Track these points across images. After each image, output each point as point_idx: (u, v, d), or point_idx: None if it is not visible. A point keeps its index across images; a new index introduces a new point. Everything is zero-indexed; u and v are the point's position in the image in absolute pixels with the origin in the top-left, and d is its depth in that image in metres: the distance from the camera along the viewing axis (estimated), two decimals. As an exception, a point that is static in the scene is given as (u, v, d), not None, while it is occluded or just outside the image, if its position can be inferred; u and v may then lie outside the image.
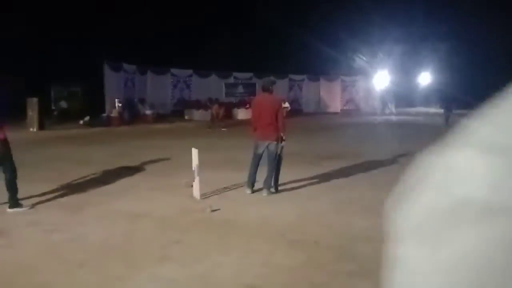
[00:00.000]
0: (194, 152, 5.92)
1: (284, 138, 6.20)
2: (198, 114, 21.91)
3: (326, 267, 3.67)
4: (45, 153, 10.20)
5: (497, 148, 0.61)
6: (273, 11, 29.01)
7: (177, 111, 23.23)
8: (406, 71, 31.01)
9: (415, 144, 11.95)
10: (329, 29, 28.49)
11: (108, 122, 17.16)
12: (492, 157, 0.61)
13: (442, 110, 19.42)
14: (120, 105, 18.35)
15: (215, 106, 20.05)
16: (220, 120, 18.58)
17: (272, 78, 7.97)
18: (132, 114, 19.01)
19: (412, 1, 28.34)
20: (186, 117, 22.30)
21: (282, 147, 6.23)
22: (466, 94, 23.81)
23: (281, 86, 24.31)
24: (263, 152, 6.24)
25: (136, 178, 7.31)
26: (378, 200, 5.80)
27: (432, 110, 30.52)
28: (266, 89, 6.34)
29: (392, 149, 10.98)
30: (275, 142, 6.12)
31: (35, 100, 15.60)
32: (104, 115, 17.66)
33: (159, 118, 20.54)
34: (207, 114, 21.88)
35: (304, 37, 26.45)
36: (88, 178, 7.31)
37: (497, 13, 27.38)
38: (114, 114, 17.61)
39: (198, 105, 22.82)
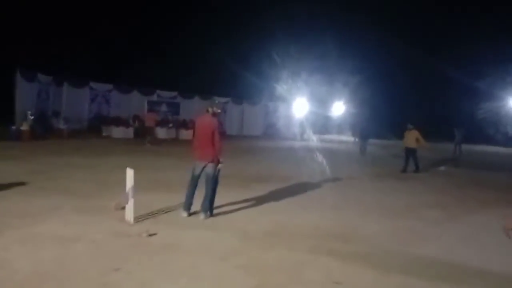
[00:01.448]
0: (129, 172, 5.67)
1: (220, 160, 6.22)
2: (117, 131, 20.98)
3: (275, 291, 3.72)
4: None
5: None
6: (200, 34, 29.29)
7: (94, 127, 22.02)
8: (322, 100, 32.93)
9: (335, 168, 12.73)
10: (253, 56, 29.42)
11: (18, 135, 15.66)
12: None
13: (356, 139, 20.81)
14: (32, 117, 16.88)
15: (151, 115, 19.62)
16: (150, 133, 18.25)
17: (217, 99, 7.95)
18: (45, 128, 17.58)
19: (326, 37, 30.36)
20: (104, 134, 21.21)
21: (219, 170, 6.23)
22: (375, 124, 26.06)
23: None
24: (200, 173, 6.18)
25: (58, 198, 6.75)
26: (310, 223, 6.09)
27: (344, 138, 32.71)
28: (206, 110, 6.34)
29: (316, 172, 11.56)
30: (212, 164, 6.11)
31: None
32: (14, 127, 16.09)
33: (75, 133, 19.29)
34: (128, 132, 21.09)
35: (229, 61, 27.01)
36: (2, 196, 6.60)
37: (404, 50, 30.56)
38: (25, 127, 16.12)
39: (118, 121, 21.88)
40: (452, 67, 29.55)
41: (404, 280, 4.13)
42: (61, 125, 18.77)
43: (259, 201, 7.43)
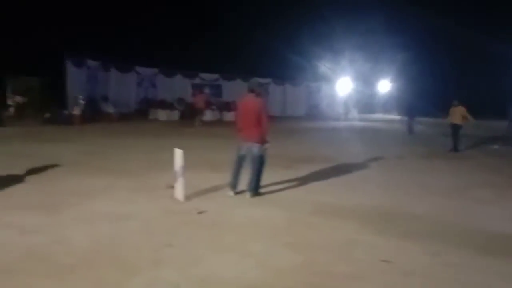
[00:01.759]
0: (178, 152, 5.80)
1: (267, 139, 6.21)
2: (163, 114, 21.51)
3: (324, 269, 3.71)
4: (7, 150, 9.62)
5: None
6: (241, 16, 29.13)
7: (141, 111, 22.68)
8: (367, 78, 32.05)
9: (381, 148, 12.42)
10: (294, 36, 28.99)
11: (70, 119, 16.44)
12: None
13: (404, 118, 20.11)
14: (83, 102, 17.63)
15: (200, 96, 19.89)
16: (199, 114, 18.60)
17: (258, 80, 7.91)
18: (94, 112, 18.33)
19: (372, 13, 29.30)
20: (150, 117, 21.81)
21: (265, 149, 6.24)
22: (423, 102, 25.05)
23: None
24: (246, 153, 6.21)
25: (111, 177, 7.04)
26: (356, 203, 5.99)
27: (391, 116, 31.72)
28: (252, 91, 6.31)
29: (360, 153, 11.33)
30: (258, 144, 6.12)
31: (-10, 94, 14.70)
32: (66, 112, 16.89)
33: (122, 117, 19.95)
34: (173, 114, 21.58)
35: (271, 42, 26.75)
36: (59, 177, 6.98)
37: (450, 26, 28.91)
38: (76, 111, 16.89)
39: (163, 104, 22.41)
40: (503, 42, 27.64)
41: (460, 259, 3.99)
42: (110, 109, 19.47)
43: (304, 181, 7.40)
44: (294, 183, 7.19)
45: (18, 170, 7.33)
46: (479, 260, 4.01)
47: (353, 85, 30.15)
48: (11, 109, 17.53)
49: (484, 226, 5.12)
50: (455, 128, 12.42)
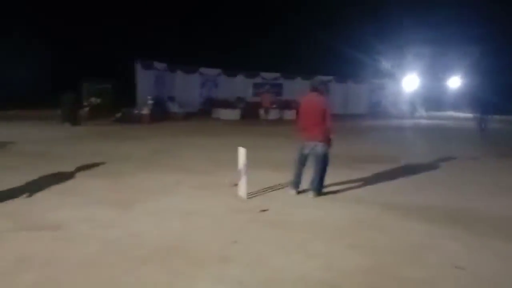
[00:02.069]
0: (242, 151, 5.89)
1: (331, 138, 6.12)
2: (225, 113, 21.96)
3: (392, 273, 3.58)
4: (83, 148, 10.36)
5: None
6: (300, 13, 28.95)
7: (204, 110, 23.38)
8: (435, 74, 30.40)
9: (451, 148, 11.74)
10: (356, 32, 28.26)
11: (139, 119, 17.36)
12: None
13: (477, 115, 18.84)
14: (151, 102, 18.55)
15: (266, 95, 20.31)
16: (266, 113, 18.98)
17: (320, 78, 7.83)
18: (162, 112, 19.19)
19: (443, 4, 27.76)
20: (213, 116, 22.39)
21: (329, 148, 6.15)
22: (498, 98, 23.27)
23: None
24: (309, 152, 6.17)
25: (179, 175, 7.33)
26: (426, 205, 5.71)
27: (462, 114, 29.84)
28: (314, 89, 6.24)
29: (429, 152, 10.80)
30: (322, 143, 6.04)
31: (69, 95, 15.90)
32: (136, 111, 17.85)
33: (187, 116, 20.68)
34: (235, 113, 21.96)
35: (332, 39, 26.31)
36: (130, 174, 7.38)
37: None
38: (145, 111, 17.79)
39: (225, 104, 22.89)
40: None
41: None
42: (176, 109, 20.27)
43: (369, 181, 7.20)
44: (358, 183, 7.02)
45: (93, 167, 7.88)
46: None
47: (420, 81, 28.74)
48: (86, 110, 18.86)
49: None
50: None
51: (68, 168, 7.72)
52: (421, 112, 26.59)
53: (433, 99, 30.34)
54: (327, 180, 6.42)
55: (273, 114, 22.39)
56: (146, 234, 4.39)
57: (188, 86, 23.37)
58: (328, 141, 6.08)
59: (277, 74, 26.56)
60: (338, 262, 3.78)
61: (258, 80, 25.96)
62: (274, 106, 23.06)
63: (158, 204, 5.51)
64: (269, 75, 26.37)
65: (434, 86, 29.49)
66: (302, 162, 6.23)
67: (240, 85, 25.07)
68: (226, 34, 27.88)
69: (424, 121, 23.35)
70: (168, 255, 3.83)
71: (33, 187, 6.21)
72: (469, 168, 8.88)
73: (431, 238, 4.45)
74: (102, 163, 8.26)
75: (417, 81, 28.53)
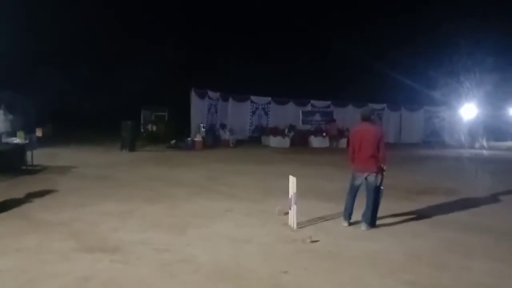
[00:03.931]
0: (292, 180, 5.91)
1: (384, 169, 5.99)
2: (275, 141, 22.09)
3: (452, 314, 3.40)
4: (140, 173, 10.83)
5: None
6: (351, 40, 28.95)
7: (255, 137, 23.66)
8: (495, 102, 28.92)
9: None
10: (410, 58, 27.66)
11: (192, 145, 17.90)
12: None
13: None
14: (204, 129, 19.11)
15: (333, 124, 20.58)
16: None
17: (372, 106, 7.71)
18: (214, 139, 19.68)
19: (505, 29, 26.64)
20: (263, 143, 22.59)
21: (382, 179, 6.01)
22: None
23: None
24: (361, 183, 6.06)
25: (229, 202, 7.45)
26: (488, 242, 5.38)
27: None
28: (367, 119, 6.18)
29: (489, 186, 10.18)
30: (375, 174, 5.93)
31: (129, 123, 16.76)
32: (189, 139, 18.44)
33: (238, 143, 21.03)
34: (284, 141, 22.05)
35: (384, 66, 25.96)
36: (184, 199, 7.60)
37: None
38: (198, 138, 18.34)
39: (275, 131, 23.07)
40: None
41: None
42: (227, 136, 20.71)
43: (424, 214, 6.90)
44: (414, 216, 6.76)
45: (148, 192, 8.20)
46: None
47: (480, 109, 27.41)
48: (143, 136, 19.74)
49: None
50: None
51: (125, 192, 8.10)
52: (481, 141, 25.22)
53: (493, 129, 28.74)
54: (381, 212, 6.26)
55: (320, 143, 22.30)
56: (199, 259, 4.48)
57: (239, 114, 23.86)
58: (381, 172, 5.96)
59: (328, 102, 26.46)
60: (393, 298, 3.65)
61: (308, 108, 26.00)
62: (324, 134, 22.97)
63: (210, 230, 5.62)
64: (320, 103, 26.34)
65: (495, 115, 27.99)
66: (354, 193, 6.12)
67: (290, 113, 25.21)
68: (277, 62, 28.41)
69: (484, 152, 22.11)
70: (220, 281, 3.89)
71: (93, 209, 6.58)
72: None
73: (491, 278, 4.19)
74: (157, 188, 8.58)
75: (475, 110, 27.24)
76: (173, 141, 18.25)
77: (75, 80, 24.52)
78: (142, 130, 21.36)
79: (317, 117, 26.19)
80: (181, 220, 6.13)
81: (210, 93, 21.20)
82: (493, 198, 8.54)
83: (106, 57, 24.71)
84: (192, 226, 5.76)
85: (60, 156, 13.79)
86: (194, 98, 19.58)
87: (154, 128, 21.27)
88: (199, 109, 20.03)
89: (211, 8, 28.58)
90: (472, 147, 23.67)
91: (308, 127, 25.14)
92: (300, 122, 25.29)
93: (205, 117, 20.55)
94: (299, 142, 22.32)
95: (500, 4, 28.11)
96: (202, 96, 20.33)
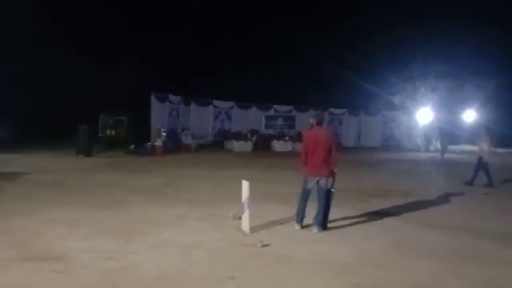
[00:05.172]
0: (245, 184, 5.88)
1: (335, 173, 6.08)
2: (237, 145, 22.08)
3: (392, 314, 3.46)
4: (95, 179, 10.49)
5: None
6: (312, 46, 29.46)
7: (217, 142, 23.56)
8: (450, 107, 30.18)
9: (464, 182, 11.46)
10: (369, 64, 28.48)
11: (153, 150, 17.56)
12: None
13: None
14: (164, 134, 18.81)
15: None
16: None
17: (320, 111, 7.81)
18: (175, 143, 19.41)
19: (458, 38, 27.94)
20: (226, 148, 22.53)
21: (334, 183, 6.09)
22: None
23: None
24: (312, 187, 6.12)
25: (184, 207, 7.32)
26: (436, 242, 5.55)
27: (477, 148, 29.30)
28: (320, 123, 6.27)
29: (441, 187, 10.55)
30: (326, 177, 6.00)
31: (84, 127, 16.25)
32: (149, 143, 18.09)
33: (200, 148, 20.85)
34: (247, 145, 22.07)
35: (345, 72, 26.55)
36: (137, 206, 7.41)
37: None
38: (159, 143, 18.02)
39: (238, 136, 23.06)
40: None
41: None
42: (189, 140, 20.49)
43: (377, 217, 7.05)
44: (365, 219, 6.89)
45: (101, 198, 7.95)
46: None
47: (435, 114, 28.52)
48: (101, 141, 19.19)
49: None
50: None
51: (77, 198, 7.81)
52: (436, 145, 26.21)
53: (448, 133, 29.97)
54: (334, 215, 6.34)
55: (282, 147, 22.49)
56: (144, 267, 4.36)
57: (201, 118, 23.70)
58: (332, 176, 6.04)
59: (290, 107, 26.76)
60: (337, 301, 3.67)
61: (271, 112, 26.19)
62: (286, 138, 23.17)
63: (160, 237, 5.49)
64: (282, 108, 26.60)
65: (449, 120, 29.20)
66: (306, 196, 6.16)
67: (253, 118, 25.31)
68: (239, 67, 28.46)
69: (438, 155, 22.98)
70: (164, 289, 3.79)
71: (41, 217, 6.30)
72: (485, 204, 8.65)
73: (434, 278, 4.30)
74: (111, 194, 8.33)
75: (431, 114, 28.30)
76: (132, 146, 17.84)
77: (35, 84, 23.54)
78: (100, 135, 20.74)
79: (280, 121, 26.44)
80: (132, 227, 5.96)
81: (171, 97, 20.94)
82: (444, 200, 8.85)
83: (67, 61, 23.86)
84: (142, 233, 5.61)
85: (12, 161, 13.20)
86: (154, 102, 19.28)
87: (113, 133, 20.69)
88: (159, 113, 19.73)
89: (172, 10, 28.33)
90: (427, 150, 24.54)
91: (271, 131, 25.32)
92: (263, 127, 25.44)
93: (166, 122, 20.27)
94: (262, 146, 22.42)
95: (454, 12, 29.46)
96: (162, 100, 20.04)
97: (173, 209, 7.15)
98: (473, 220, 7.03)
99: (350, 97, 27.52)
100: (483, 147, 11.39)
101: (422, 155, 22.24)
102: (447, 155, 21.71)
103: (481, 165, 11.26)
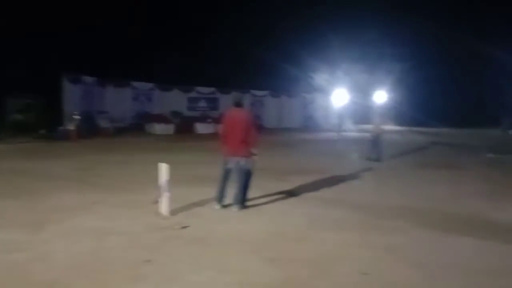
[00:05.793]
0: (162, 167, 5.82)
1: (255, 153, 6.24)
2: (159, 128, 21.58)
3: (304, 285, 3.70)
4: (0, 167, 9.65)
5: None
6: (235, 28, 29.41)
7: (138, 125, 22.76)
8: (363, 89, 32.14)
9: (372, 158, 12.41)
10: (290, 48, 29.17)
11: (66, 135, 16.49)
12: None
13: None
14: (78, 118, 17.71)
15: None
16: None
17: (240, 94, 7.91)
18: (90, 128, 18.39)
19: (369, 24, 29.64)
20: (147, 131, 21.89)
21: (253, 163, 6.26)
22: (420, 112, 25.13)
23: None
24: (232, 167, 6.23)
25: (99, 194, 7.05)
26: (344, 216, 5.99)
27: (387, 127, 31.73)
28: (239, 104, 6.37)
29: (353, 164, 11.35)
30: (246, 158, 6.15)
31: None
32: (62, 128, 16.97)
33: (119, 131, 20.02)
34: (169, 128, 21.64)
35: (267, 54, 26.94)
36: (48, 193, 6.98)
37: (450, 35, 29.21)
38: (72, 127, 16.96)
39: (159, 118, 22.50)
40: (503, 51, 27.86)
41: (435, 271, 3.99)
42: (106, 124, 19.55)
43: (294, 194, 7.39)
44: (283, 196, 7.19)
45: (8, 187, 7.36)
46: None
47: (349, 96, 30.24)
48: (10, 127, 17.59)
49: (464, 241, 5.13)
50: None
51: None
52: (349, 125, 27.88)
53: (360, 113, 31.97)
54: (253, 193, 6.53)
55: (205, 129, 22.43)
56: (55, 256, 4.17)
57: (119, 101, 22.65)
58: (251, 155, 6.19)
59: (213, 89, 26.65)
60: (253, 276, 3.83)
61: (193, 94, 25.89)
62: (209, 120, 23.09)
63: (72, 225, 5.26)
64: (204, 90, 26.41)
65: (362, 101, 31.13)
66: (226, 176, 6.27)
67: (175, 100, 24.83)
68: (160, 47, 27.51)
69: (352, 134, 24.49)
70: (75, 277, 3.67)
71: None
72: (392, 178, 9.47)
73: (345, 247, 4.66)
74: (20, 182, 7.76)
75: (346, 96, 29.94)
76: (42, 131, 16.61)
77: None
78: (9, 121, 18.95)
79: (203, 103, 26.28)
80: (41, 215, 5.62)
81: (85, 78, 19.72)
82: (353, 176, 9.51)
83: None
84: (53, 222, 5.32)
85: None
86: (66, 84, 18.07)
87: (22, 117, 19.03)
88: (72, 95, 18.55)
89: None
90: (341, 130, 25.94)
91: (193, 113, 25.08)
92: (186, 109, 25.09)
93: (80, 104, 19.10)
94: (185, 128, 22.14)
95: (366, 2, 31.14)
96: (75, 81, 18.85)
97: (87, 196, 6.85)
98: (377, 194, 7.67)
99: (272, 79, 28.08)
100: (378, 125, 12.51)
101: (337, 134, 23.51)
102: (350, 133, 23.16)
103: (377, 141, 12.30)
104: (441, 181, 9.23)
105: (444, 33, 29.71)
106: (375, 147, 12.33)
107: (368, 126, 14.16)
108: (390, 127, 30.79)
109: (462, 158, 13.57)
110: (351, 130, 24.89)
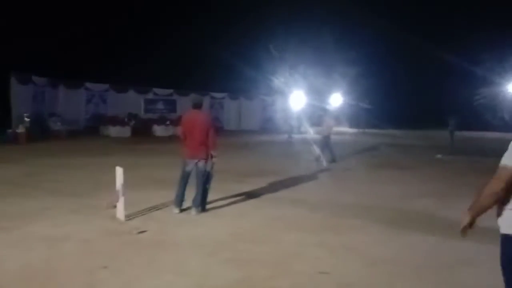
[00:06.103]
0: (118, 170, 5.70)
1: (214, 155, 6.23)
2: (115, 130, 21.02)
3: (262, 284, 3.75)
4: None
5: None
6: (195, 30, 29.24)
7: (91, 127, 22.06)
8: (320, 92, 32.89)
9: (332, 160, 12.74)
10: (249, 50, 29.38)
11: (15, 138, 15.71)
12: None
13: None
14: (28, 120, 16.92)
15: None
16: None
17: (198, 95, 7.86)
18: (41, 130, 17.62)
19: (324, 29, 30.40)
20: (101, 133, 21.27)
21: (213, 165, 6.25)
22: (373, 115, 26.04)
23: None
24: (191, 170, 6.20)
25: (52, 199, 6.79)
26: (302, 216, 6.12)
27: (342, 129, 32.68)
28: (197, 106, 6.34)
29: (310, 165, 11.60)
30: (205, 160, 6.13)
31: None
32: (10, 131, 16.14)
33: (72, 134, 19.32)
34: (125, 130, 21.14)
35: (225, 56, 26.98)
36: (-6, 200, 6.64)
37: (401, 38, 30.48)
38: (21, 130, 16.17)
39: (114, 120, 21.92)
40: (450, 53, 29.47)
41: (390, 268, 4.17)
42: (58, 126, 18.80)
43: (253, 195, 7.46)
44: (241, 197, 7.24)
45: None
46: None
47: (307, 98, 30.85)
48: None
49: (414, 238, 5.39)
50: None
51: None
52: (307, 127, 28.44)
53: (317, 115, 32.66)
54: (212, 196, 6.52)
55: (163, 131, 22.13)
56: (5, 265, 3.98)
57: (72, 102, 21.89)
58: (210, 158, 6.18)
59: (171, 91, 26.32)
60: (211, 278, 3.84)
61: (150, 96, 25.44)
62: (167, 122, 22.77)
63: (23, 232, 5.03)
64: (162, 91, 26.01)
65: (319, 103, 31.84)
66: (185, 179, 6.22)
67: (131, 101, 24.28)
68: (115, 47, 26.86)
69: (309, 136, 24.98)
70: (27, 286, 3.52)
71: None
72: (346, 179, 9.75)
73: (302, 247, 4.76)
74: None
75: (303, 98, 30.51)
76: (-13, 134, 15.73)
77: None
78: None
79: (160, 105, 25.87)
80: (-13, 224, 5.33)
81: (35, 79, 18.88)
82: (310, 177, 9.73)
83: None
84: (1, 230, 5.06)
85: None
86: (14, 85, 17.22)
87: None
88: (21, 96, 17.69)
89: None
90: (299, 132, 26.42)
91: (151, 115, 24.62)
92: (142, 111, 24.61)
93: (29, 106, 18.25)
94: (142, 131, 21.73)
95: (321, 7, 31.88)
96: (25, 82, 17.98)
97: (39, 202, 6.58)
98: (333, 194, 7.89)
99: (231, 81, 28.14)
100: (327, 127, 12.86)
101: (295, 136, 23.90)
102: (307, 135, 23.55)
103: (327, 143, 12.61)
104: (394, 181, 9.61)
105: (397, 37, 30.98)
106: (325, 149, 12.64)
107: (319, 128, 14.51)
108: (344, 129, 31.76)
109: (413, 159, 14.18)
110: (308, 132, 25.38)
